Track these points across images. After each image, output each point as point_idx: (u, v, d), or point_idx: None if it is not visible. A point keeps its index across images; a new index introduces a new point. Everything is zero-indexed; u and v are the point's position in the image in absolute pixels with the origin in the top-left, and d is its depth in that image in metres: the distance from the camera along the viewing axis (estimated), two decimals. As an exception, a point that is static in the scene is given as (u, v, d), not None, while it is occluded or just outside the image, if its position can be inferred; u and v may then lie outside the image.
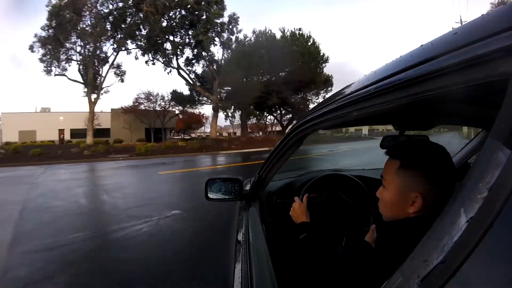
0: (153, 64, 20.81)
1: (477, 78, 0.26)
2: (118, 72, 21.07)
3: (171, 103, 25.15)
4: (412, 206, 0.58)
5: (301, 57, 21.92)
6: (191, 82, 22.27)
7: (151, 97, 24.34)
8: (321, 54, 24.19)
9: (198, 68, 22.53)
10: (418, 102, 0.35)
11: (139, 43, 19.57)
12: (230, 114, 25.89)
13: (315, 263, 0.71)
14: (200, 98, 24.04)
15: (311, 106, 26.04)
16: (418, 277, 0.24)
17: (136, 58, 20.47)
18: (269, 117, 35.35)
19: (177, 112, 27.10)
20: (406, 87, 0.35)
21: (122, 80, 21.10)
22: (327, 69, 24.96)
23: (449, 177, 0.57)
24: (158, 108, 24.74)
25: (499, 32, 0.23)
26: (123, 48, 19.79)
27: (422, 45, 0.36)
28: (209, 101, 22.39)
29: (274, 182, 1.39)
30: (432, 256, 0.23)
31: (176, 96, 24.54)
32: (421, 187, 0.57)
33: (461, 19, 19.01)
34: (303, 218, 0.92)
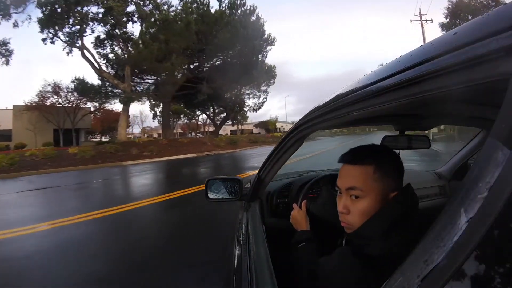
0: (52, 42, 15.12)
1: (477, 78, 0.26)
2: (3, 51, 14.92)
3: (83, 99, 19.47)
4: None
5: (243, 31, 16.44)
6: (97, 67, 16.46)
7: (59, 90, 18.83)
8: (266, 35, 18.97)
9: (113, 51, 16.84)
10: (418, 102, 0.35)
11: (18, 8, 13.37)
12: (158, 113, 20.37)
13: (307, 272, 0.71)
14: (115, 90, 17.70)
15: (250, 102, 22.61)
16: (418, 277, 0.24)
17: (15, 25, 14.36)
18: (201, 116, 30.77)
19: (92, 109, 21.27)
20: (406, 87, 0.35)
21: (7, 62, 15.14)
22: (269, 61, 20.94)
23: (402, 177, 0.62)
24: (67, 104, 19.36)
25: (499, 32, 0.23)
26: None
27: (422, 45, 0.36)
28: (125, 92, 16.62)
29: (274, 182, 1.39)
30: (432, 256, 0.23)
31: (82, 87, 17.69)
32: (396, 184, 0.60)
33: (420, 12, 18.26)
34: (303, 225, 0.91)
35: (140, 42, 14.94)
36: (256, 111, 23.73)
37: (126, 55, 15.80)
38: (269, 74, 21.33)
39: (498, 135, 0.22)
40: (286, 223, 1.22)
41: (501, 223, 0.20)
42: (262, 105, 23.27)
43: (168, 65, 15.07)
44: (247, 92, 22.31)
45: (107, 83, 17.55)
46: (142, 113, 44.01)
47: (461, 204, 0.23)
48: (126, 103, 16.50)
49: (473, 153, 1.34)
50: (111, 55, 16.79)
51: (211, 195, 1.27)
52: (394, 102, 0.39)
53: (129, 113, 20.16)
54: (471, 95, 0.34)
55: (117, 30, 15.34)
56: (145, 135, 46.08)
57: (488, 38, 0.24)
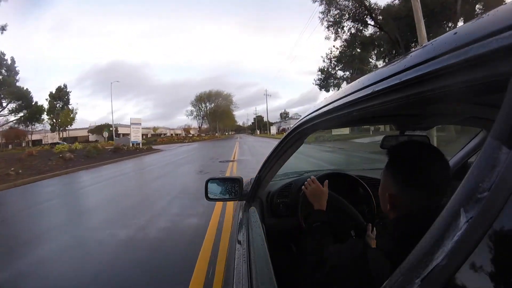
0: None
1: (477, 78, 0.26)
2: None
3: None
4: (391, 207, 0.58)
5: None
6: None
7: None
8: None
9: None
10: (418, 102, 0.35)
11: None
12: None
13: (314, 260, 0.71)
14: None
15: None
16: (418, 277, 0.24)
17: None
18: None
19: None
20: (406, 87, 0.35)
21: None
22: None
23: (427, 182, 0.53)
24: None
25: (499, 32, 0.23)
26: None
27: (422, 45, 0.36)
28: None
29: (274, 182, 1.39)
30: (432, 256, 0.23)
31: None
32: (391, 188, 0.57)
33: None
34: (320, 203, 0.92)
35: None
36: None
37: None
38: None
39: (498, 135, 0.22)
40: (286, 223, 1.22)
41: (501, 223, 0.20)
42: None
43: None
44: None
45: None
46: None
47: (461, 204, 0.23)
48: None
49: (473, 153, 1.34)
50: None
51: (211, 195, 1.27)
52: (394, 102, 0.39)
53: None
54: (471, 95, 0.34)
55: None
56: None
57: (488, 38, 0.24)
